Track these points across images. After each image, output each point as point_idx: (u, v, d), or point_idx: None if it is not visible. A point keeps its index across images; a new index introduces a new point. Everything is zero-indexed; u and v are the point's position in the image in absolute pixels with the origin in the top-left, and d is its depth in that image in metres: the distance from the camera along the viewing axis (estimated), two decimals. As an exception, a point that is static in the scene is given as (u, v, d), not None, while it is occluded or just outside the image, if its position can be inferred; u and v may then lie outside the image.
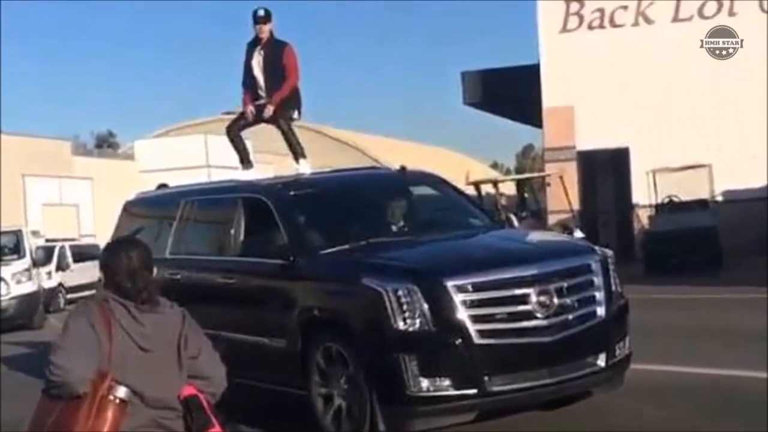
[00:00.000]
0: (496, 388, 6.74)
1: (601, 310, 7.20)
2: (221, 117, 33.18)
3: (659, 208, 23.05)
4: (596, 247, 7.85)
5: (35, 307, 19.43)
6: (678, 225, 20.78)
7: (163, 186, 10.48)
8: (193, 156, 33.05)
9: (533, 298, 6.86)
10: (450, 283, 6.77)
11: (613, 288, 7.41)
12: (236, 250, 8.48)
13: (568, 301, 7.02)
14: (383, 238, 8.16)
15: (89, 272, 19.96)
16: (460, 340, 6.70)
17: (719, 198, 23.52)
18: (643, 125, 25.52)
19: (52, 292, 22.54)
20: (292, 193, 8.56)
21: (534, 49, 27.73)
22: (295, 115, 9.75)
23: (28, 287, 19.31)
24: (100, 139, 66.05)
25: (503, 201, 23.51)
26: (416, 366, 6.65)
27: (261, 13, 9.57)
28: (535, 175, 28.23)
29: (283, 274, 7.75)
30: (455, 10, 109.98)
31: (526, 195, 24.17)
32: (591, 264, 7.34)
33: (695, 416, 7.42)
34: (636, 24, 26.59)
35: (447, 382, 6.69)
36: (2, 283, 18.88)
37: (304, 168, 9.50)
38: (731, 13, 25.31)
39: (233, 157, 10.09)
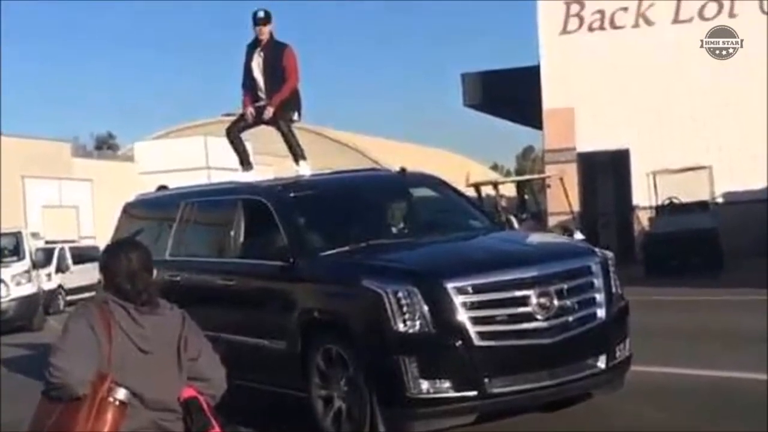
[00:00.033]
0: (496, 390, 6.73)
1: (601, 312, 7.20)
2: (221, 118, 33.20)
3: (659, 209, 23.04)
4: (596, 249, 7.84)
5: (35, 308, 19.43)
6: (678, 227, 20.77)
7: (162, 188, 10.48)
8: (192, 158, 33.03)
9: (533, 300, 6.85)
10: (450, 285, 6.76)
11: (614, 290, 7.41)
12: (236, 251, 8.47)
13: (568, 302, 7.02)
14: (383, 239, 8.16)
15: (89, 274, 19.96)
16: (460, 342, 6.69)
17: (719, 200, 23.50)
18: (644, 127, 25.51)
19: (52, 294, 22.54)
20: (292, 194, 8.56)
21: (534, 50, 27.75)
22: (295, 116, 9.76)
23: (27, 289, 19.30)
24: (99, 140, 66.14)
25: (503, 203, 23.49)
26: (416, 368, 6.64)
27: (261, 14, 9.58)
28: (536, 176, 28.22)
29: (283, 276, 7.75)
30: (455, 12, 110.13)
31: (526, 197, 24.17)
32: (591, 266, 7.34)
33: (695, 418, 7.41)
34: (636, 25, 26.58)
35: (447, 384, 6.68)
36: (2, 285, 18.87)
37: (304, 170, 9.50)
38: (731, 15, 25.30)
39: (233, 159, 10.09)
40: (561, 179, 22.96)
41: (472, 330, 6.70)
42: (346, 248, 7.79)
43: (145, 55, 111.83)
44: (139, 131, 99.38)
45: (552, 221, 24.58)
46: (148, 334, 3.96)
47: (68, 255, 24.65)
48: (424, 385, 6.65)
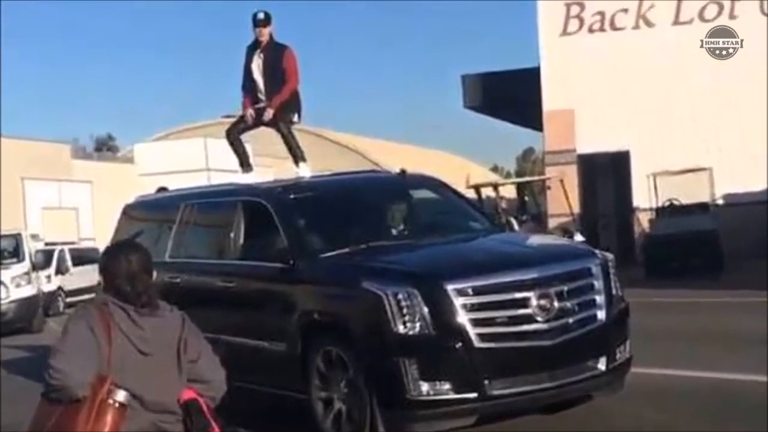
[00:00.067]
0: (496, 392, 6.73)
1: (601, 314, 7.20)
2: (221, 120, 33.20)
3: (660, 211, 23.03)
4: (596, 251, 7.85)
5: (35, 310, 19.43)
6: (678, 228, 20.76)
7: (162, 189, 10.48)
8: (192, 159, 32.98)
9: (533, 302, 6.85)
10: (450, 287, 6.76)
11: (614, 291, 7.41)
12: (236, 253, 8.48)
13: (568, 304, 7.02)
14: (383, 241, 8.16)
15: (89, 276, 19.92)
16: (460, 344, 6.69)
17: (720, 201, 23.50)
18: (644, 128, 25.50)
19: (52, 296, 22.52)
20: (291, 196, 8.56)
21: (534, 52, 27.72)
22: (295, 118, 9.76)
23: (27, 291, 19.30)
24: (99, 142, 66.16)
25: (503, 204, 23.47)
26: (416, 370, 6.64)
27: (261, 16, 9.58)
28: (536, 178, 28.26)
29: (283, 278, 7.75)
30: (455, 13, 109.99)
31: (526, 198, 24.18)
32: (591, 267, 7.33)
33: (696, 420, 7.41)
34: (636, 27, 26.57)
35: (447, 386, 6.68)
36: (2, 287, 18.86)
37: (304, 171, 9.50)
38: (732, 16, 25.28)
39: (233, 161, 10.09)
40: (561, 181, 22.96)
41: (472, 332, 6.70)
42: (346, 250, 7.78)
43: (145, 57, 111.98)
44: (139, 133, 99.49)
45: (552, 223, 24.57)
46: (148, 336, 3.95)
47: (68, 257, 24.61)
48: (424, 386, 6.65)
